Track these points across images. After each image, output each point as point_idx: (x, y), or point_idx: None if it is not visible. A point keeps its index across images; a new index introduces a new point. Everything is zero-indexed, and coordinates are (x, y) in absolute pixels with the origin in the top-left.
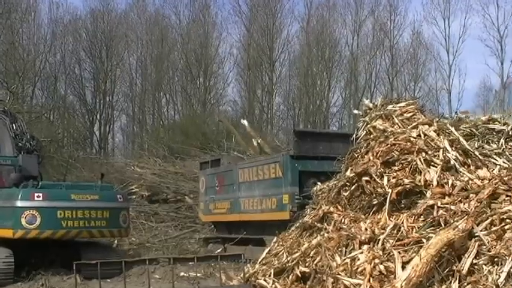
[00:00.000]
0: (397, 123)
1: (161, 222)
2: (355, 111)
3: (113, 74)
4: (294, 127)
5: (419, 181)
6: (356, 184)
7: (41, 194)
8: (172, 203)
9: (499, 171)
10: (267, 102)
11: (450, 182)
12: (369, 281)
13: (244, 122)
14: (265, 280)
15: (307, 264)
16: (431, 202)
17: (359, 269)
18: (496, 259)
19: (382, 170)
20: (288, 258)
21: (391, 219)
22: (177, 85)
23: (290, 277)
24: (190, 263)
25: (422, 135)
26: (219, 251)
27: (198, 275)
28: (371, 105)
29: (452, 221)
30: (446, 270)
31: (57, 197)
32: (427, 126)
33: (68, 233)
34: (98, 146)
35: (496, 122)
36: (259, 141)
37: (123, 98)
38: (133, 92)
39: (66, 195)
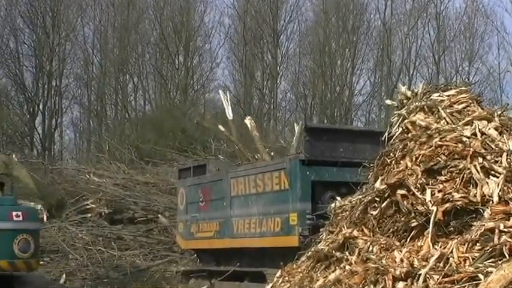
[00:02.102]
0: (445, 118)
1: (126, 249)
2: (388, 102)
3: (61, 49)
4: (305, 122)
5: (475, 196)
6: (388, 200)
7: None
8: (142, 223)
9: None
10: (270, 89)
11: None
12: None
13: (249, 120)
14: None
15: None
16: (490, 225)
17: None
18: None
19: (424, 180)
20: None
21: (435, 247)
22: (148, 65)
23: None
24: None
25: (478, 134)
26: None
27: None
28: (409, 93)
29: None
30: None
31: None
32: (485, 122)
33: None
34: (41, 146)
35: None
36: (259, 145)
37: (75, 82)
38: (89, 74)
39: None
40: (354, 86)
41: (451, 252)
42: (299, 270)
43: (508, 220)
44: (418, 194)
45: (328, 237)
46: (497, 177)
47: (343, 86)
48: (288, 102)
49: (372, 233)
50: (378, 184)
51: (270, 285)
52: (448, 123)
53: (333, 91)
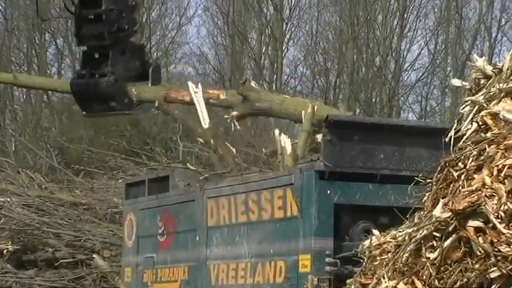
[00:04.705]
0: None
1: None
2: (456, 82)
3: None
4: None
5: None
6: (455, 235)
7: None
8: (66, 268)
9: None
10: (271, 60)
11: None
12: None
13: (252, 83)
14: None
15: None
16: None
17: None
18: None
19: (511, 206)
20: None
21: None
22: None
23: None
24: None
25: None
26: None
27: None
28: (490, 69)
29: None
30: None
31: None
32: None
33: None
34: None
35: None
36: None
37: None
38: None
39: None
40: (404, 56)
41: None
42: None
43: None
44: (501, 227)
45: None
46: None
47: (387, 57)
48: (299, 80)
49: None
50: (437, 211)
51: None
52: None
53: (370, 64)
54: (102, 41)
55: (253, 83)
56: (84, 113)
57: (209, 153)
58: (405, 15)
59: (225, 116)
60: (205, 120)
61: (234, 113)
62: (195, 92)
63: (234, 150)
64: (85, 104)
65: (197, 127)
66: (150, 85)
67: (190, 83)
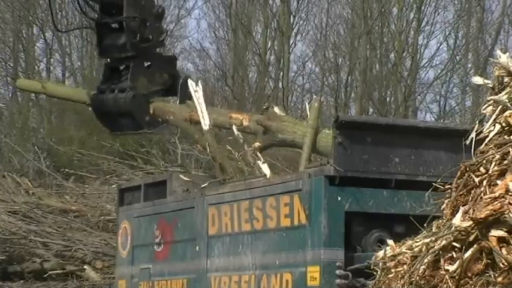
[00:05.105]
0: None
1: None
2: (477, 80)
3: None
4: (336, 111)
5: None
6: (476, 246)
7: None
8: (56, 279)
9: None
10: (277, 55)
11: None
12: None
13: (276, 108)
14: None
15: None
16: None
17: None
18: None
19: None
20: None
21: None
22: (70, 11)
23: None
24: None
25: None
26: None
27: None
28: None
29: None
30: None
31: None
32: None
33: None
34: None
35: None
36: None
37: None
38: None
39: None
40: (421, 52)
41: None
42: None
43: None
44: None
45: None
46: None
47: (403, 52)
48: (307, 78)
49: None
50: (457, 220)
51: None
52: None
53: (385, 60)
54: (124, 53)
55: (277, 109)
56: (110, 131)
57: (209, 157)
58: (422, 8)
59: (246, 148)
60: (205, 122)
61: (257, 144)
62: (195, 91)
63: (237, 154)
64: (106, 121)
65: (194, 131)
66: (178, 102)
67: (190, 81)
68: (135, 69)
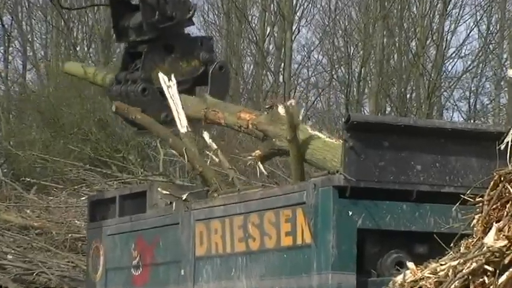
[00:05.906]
0: None
1: None
2: None
3: None
4: (347, 109)
5: None
6: None
7: None
8: None
9: None
10: (277, 44)
11: None
12: None
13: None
14: None
15: None
16: None
17: None
18: None
19: None
20: None
21: None
22: None
23: None
24: None
25: None
26: None
27: None
28: None
29: None
30: None
31: None
32: None
33: None
34: None
35: None
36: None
37: None
38: None
39: None
40: (447, 40)
41: None
42: None
43: None
44: None
45: None
46: None
47: (426, 40)
48: (313, 70)
49: None
50: (490, 238)
51: None
52: None
53: (405, 49)
54: (141, 36)
55: (281, 109)
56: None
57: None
58: None
59: (247, 157)
60: (182, 123)
61: (257, 152)
62: (168, 86)
63: (226, 162)
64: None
65: (168, 134)
66: (208, 93)
67: (161, 75)
68: (148, 55)
